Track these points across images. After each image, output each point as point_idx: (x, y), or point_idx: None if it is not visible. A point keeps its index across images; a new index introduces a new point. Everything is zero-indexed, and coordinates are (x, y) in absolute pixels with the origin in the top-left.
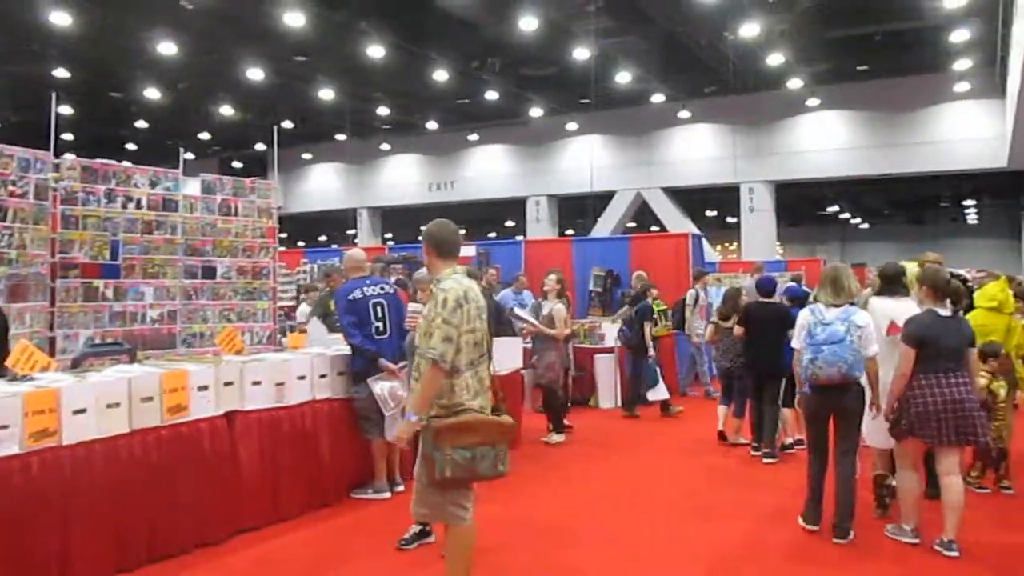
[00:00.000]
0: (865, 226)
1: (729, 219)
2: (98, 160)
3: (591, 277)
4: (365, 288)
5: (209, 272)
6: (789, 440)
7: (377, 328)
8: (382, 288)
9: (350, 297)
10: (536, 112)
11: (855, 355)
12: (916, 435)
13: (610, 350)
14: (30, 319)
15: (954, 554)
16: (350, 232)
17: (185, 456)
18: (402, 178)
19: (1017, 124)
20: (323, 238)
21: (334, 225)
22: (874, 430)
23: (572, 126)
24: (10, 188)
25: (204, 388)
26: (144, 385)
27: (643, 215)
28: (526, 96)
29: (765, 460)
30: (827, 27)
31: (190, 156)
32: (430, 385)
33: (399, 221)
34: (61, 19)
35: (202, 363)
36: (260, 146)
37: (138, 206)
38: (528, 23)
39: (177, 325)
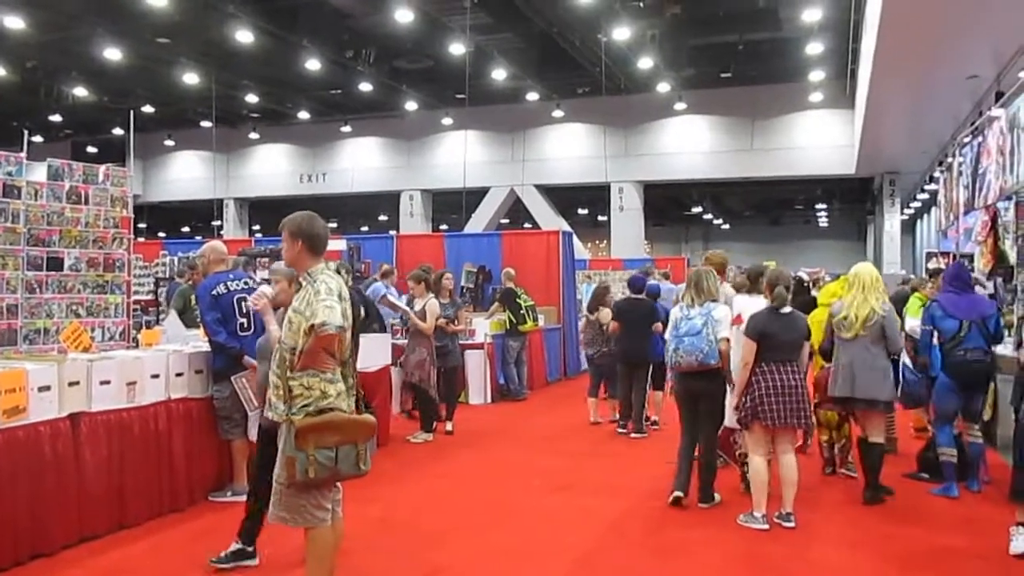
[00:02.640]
0: (727, 226)
1: (600, 217)
2: None
3: (463, 273)
4: (229, 283)
5: (55, 264)
6: (654, 417)
7: (241, 324)
8: (246, 283)
9: (214, 292)
10: (411, 106)
11: (711, 345)
12: (757, 418)
13: (480, 346)
14: None
15: (791, 524)
16: (215, 223)
17: (21, 462)
18: (271, 168)
19: (864, 134)
20: (186, 229)
21: (198, 216)
22: (732, 413)
23: (447, 121)
24: None
25: (45, 388)
26: None
27: (516, 212)
28: (400, 89)
29: (634, 435)
30: (694, 34)
31: (38, 139)
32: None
33: (268, 213)
34: None
35: (44, 361)
36: (117, 131)
37: None
38: (403, 15)
39: (18, 320)
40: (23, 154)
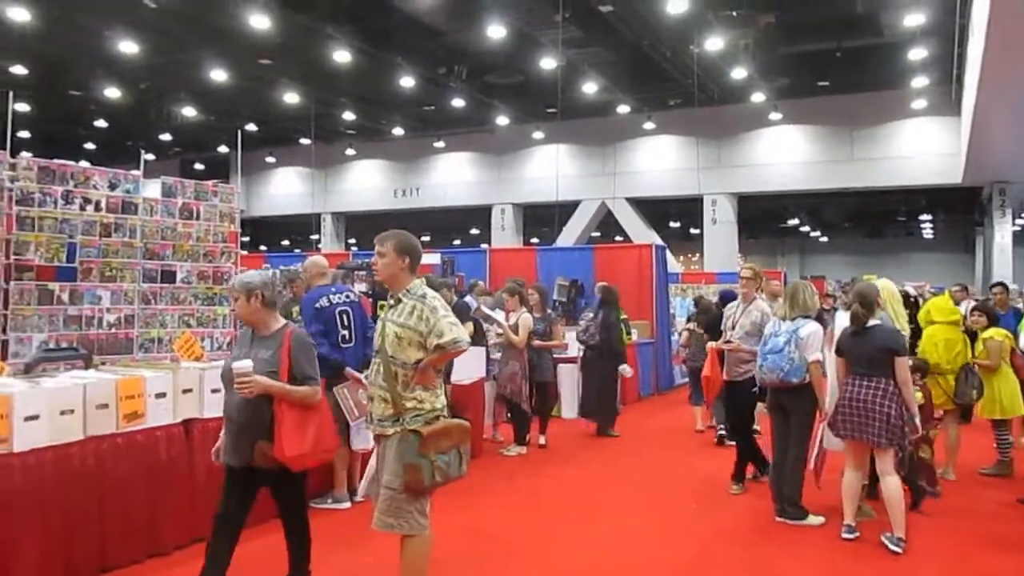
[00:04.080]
0: (824, 239)
1: (692, 230)
2: (56, 160)
3: (555, 287)
4: (331, 296)
5: (168, 276)
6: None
7: (343, 336)
8: (347, 296)
9: (317, 305)
10: (502, 120)
11: (791, 363)
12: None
13: (573, 359)
14: None
15: (896, 549)
16: (313, 237)
17: (139, 465)
18: (367, 183)
19: (971, 141)
20: (286, 243)
21: (297, 230)
22: (827, 433)
23: (538, 135)
24: None
25: (161, 395)
26: (99, 392)
27: (607, 225)
28: (492, 104)
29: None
30: (789, 42)
31: (150, 157)
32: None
33: (363, 227)
34: (19, 14)
35: (160, 370)
36: (223, 148)
37: (96, 208)
38: (495, 31)
39: (134, 330)
40: (139, 172)
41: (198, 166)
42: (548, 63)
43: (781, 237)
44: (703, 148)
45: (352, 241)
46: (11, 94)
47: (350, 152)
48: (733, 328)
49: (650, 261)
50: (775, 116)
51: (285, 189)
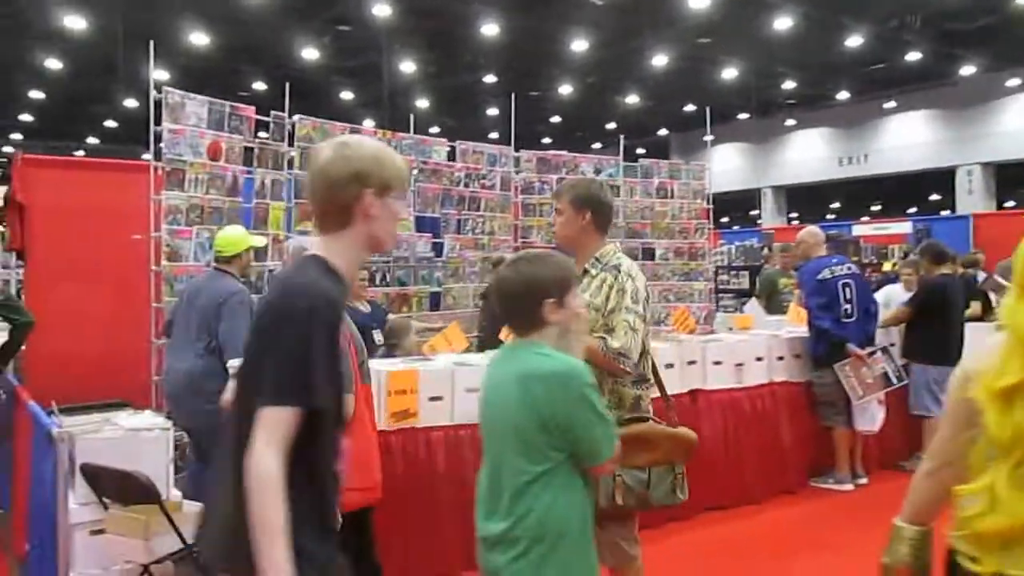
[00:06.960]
0: None
1: None
2: (550, 152)
3: None
4: (833, 267)
5: (648, 254)
6: None
7: (845, 311)
8: (848, 268)
9: (819, 277)
10: (967, 71)
11: None
12: None
13: None
14: None
15: None
16: (753, 213)
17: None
18: (808, 154)
19: None
20: (725, 219)
21: (737, 206)
22: None
23: (1014, 82)
24: (482, 181)
25: (670, 366)
26: None
27: None
28: (954, 54)
29: None
30: None
31: (596, 146)
32: None
33: (805, 199)
34: (491, 29)
35: (664, 342)
36: (662, 131)
37: None
38: None
39: None
40: (620, 157)
41: (639, 150)
42: None
43: None
44: None
45: (794, 215)
46: (513, 95)
47: (790, 123)
48: None
49: None
50: None
51: (723, 166)
